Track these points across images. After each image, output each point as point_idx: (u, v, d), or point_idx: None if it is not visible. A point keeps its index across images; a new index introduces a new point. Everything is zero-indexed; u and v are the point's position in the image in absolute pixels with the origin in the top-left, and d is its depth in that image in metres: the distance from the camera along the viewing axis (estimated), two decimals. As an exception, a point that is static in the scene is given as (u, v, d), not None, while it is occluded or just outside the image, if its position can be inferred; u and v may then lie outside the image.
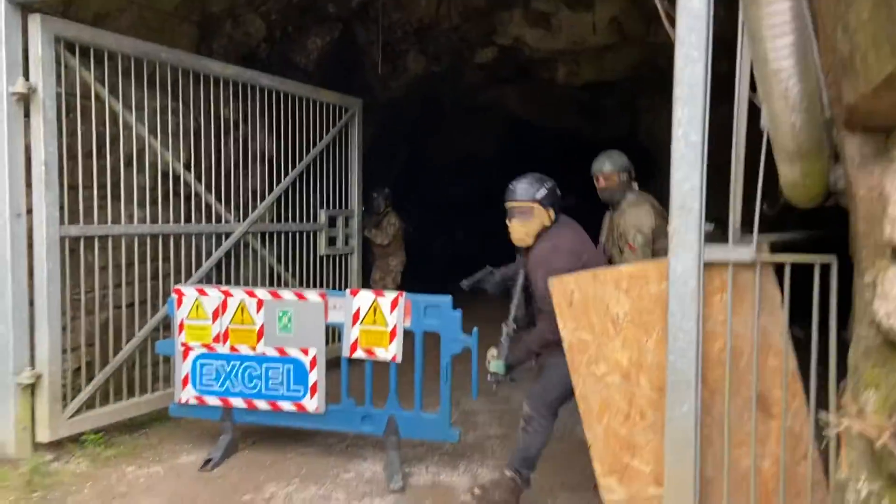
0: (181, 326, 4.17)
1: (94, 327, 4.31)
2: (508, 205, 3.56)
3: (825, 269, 2.71)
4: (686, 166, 2.81)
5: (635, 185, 4.20)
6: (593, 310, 3.10)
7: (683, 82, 2.78)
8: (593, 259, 3.52)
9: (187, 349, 4.15)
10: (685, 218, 2.82)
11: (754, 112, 2.70)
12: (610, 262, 4.19)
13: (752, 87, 2.65)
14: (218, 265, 5.25)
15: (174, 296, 4.19)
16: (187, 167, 4.98)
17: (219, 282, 5.23)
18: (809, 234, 3.44)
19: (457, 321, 3.91)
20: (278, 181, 5.78)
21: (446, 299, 3.98)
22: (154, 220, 4.70)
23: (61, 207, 4.06)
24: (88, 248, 4.27)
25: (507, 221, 3.58)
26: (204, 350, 4.13)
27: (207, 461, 4.06)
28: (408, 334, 4.00)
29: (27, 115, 3.94)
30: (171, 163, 4.83)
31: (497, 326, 3.69)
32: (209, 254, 5.15)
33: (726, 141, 2.85)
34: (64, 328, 4.14)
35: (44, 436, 4.00)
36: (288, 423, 4.17)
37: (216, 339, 4.12)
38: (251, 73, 5.34)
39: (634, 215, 4.01)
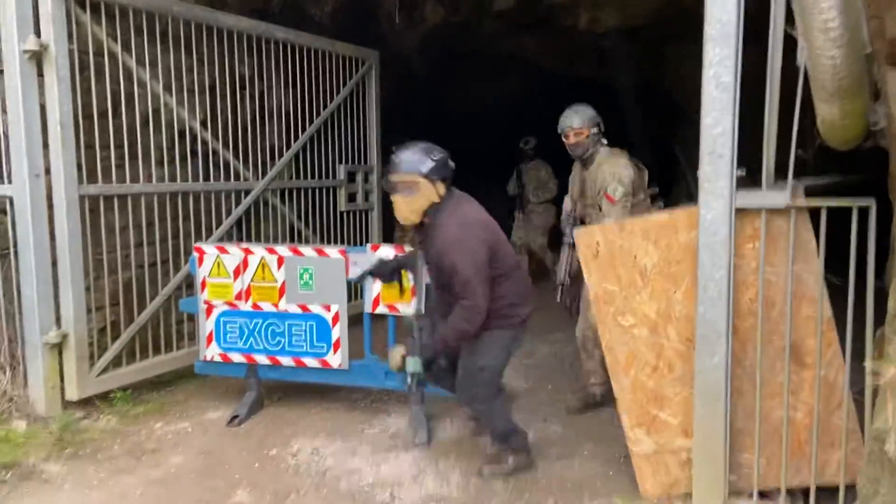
0: (203, 284, 4.16)
1: (118, 287, 4.33)
2: (391, 178, 3.15)
3: (863, 213, 2.60)
4: (717, 110, 2.70)
5: (605, 140, 4.07)
6: (620, 261, 3.03)
7: (714, 19, 2.65)
8: (500, 232, 3.29)
9: (210, 307, 4.15)
10: (716, 164, 2.72)
11: (789, 48, 2.56)
12: (582, 221, 4.13)
13: (789, 21, 2.51)
14: (238, 223, 5.23)
15: (195, 254, 4.18)
16: (204, 125, 4.92)
17: (239, 240, 5.22)
18: (846, 179, 3.32)
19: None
20: (296, 137, 5.70)
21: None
22: (173, 179, 4.66)
23: (79, 167, 4.04)
24: (108, 207, 4.26)
25: (391, 197, 3.19)
26: (227, 308, 4.13)
27: (234, 417, 4.09)
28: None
29: (41, 73, 3.88)
30: (188, 121, 4.77)
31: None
32: (229, 212, 5.12)
33: (756, 84, 2.72)
34: (88, 288, 4.15)
35: (72, 394, 4.05)
36: (312, 379, 4.18)
37: (238, 297, 4.11)
38: (266, 26, 5.22)
39: (614, 167, 3.89)
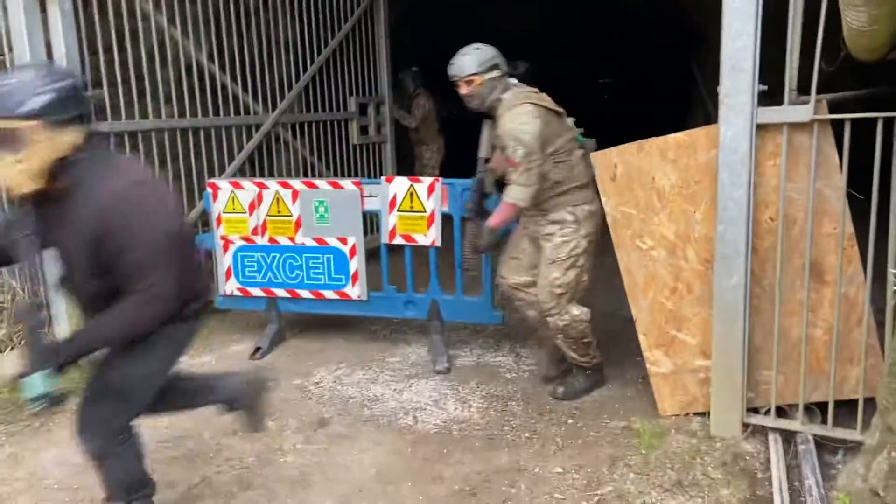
0: (219, 220, 4.17)
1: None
2: None
3: (888, 125, 2.52)
4: (738, 21, 2.60)
5: (513, 81, 3.34)
6: (638, 183, 2.99)
7: (737, -76, 2.52)
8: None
9: (227, 242, 4.18)
10: (736, 78, 2.64)
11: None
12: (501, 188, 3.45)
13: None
14: (250, 158, 5.21)
15: (209, 190, 4.18)
16: (210, 58, 4.84)
17: (252, 175, 5.20)
18: (870, 92, 3.21)
19: (493, 204, 3.82)
20: (305, 69, 5.61)
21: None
22: (182, 116, 4.62)
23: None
24: (118, 145, 4.24)
25: None
26: (243, 242, 4.15)
27: (256, 349, 4.17)
28: (446, 219, 3.95)
29: (44, 9, 3.81)
30: (194, 54, 4.69)
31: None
32: (241, 148, 5.09)
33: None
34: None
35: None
36: (332, 310, 4.23)
37: (255, 232, 4.13)
38: (268, -47, 5.08)
39: (512, 122, 3.14)
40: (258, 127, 5.19)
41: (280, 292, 4.18)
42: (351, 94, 6.06)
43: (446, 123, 7.03)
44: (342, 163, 6.02)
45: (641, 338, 3.10)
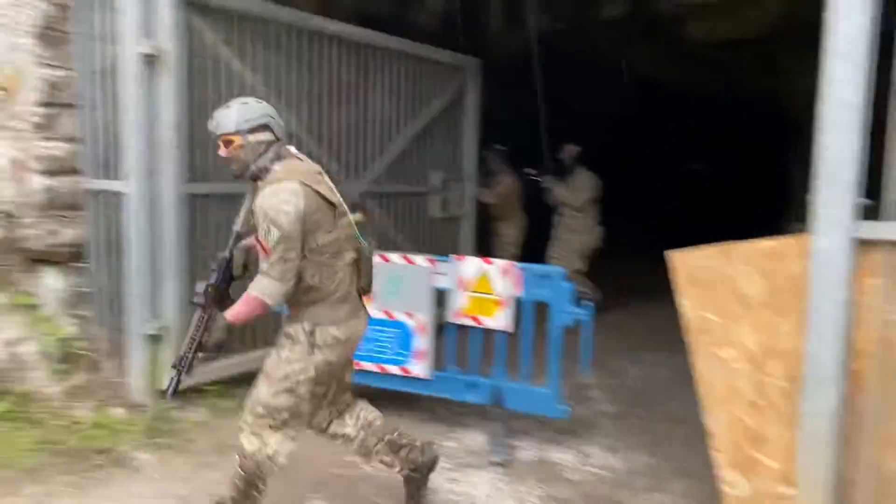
0: (294, 286, 4.23)
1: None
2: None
3: None
4: (836, 130, 2.46)
5: (292, 150, 2.79)
6: (720, 287, 2.83)
7: (837, 31, 2.42)
8: None
9: (299, 308, 4.21)
10: (832, 189, 2.48)
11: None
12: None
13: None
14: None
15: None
16: (305, 128, 5.03)
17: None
18: None
19: (568, 293, 3.73)
20: (392, 142, 5.74)
21: (558, 270, 3.88)
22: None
23: (186, 166, 4.21)
24: (212, 206, 4.41)
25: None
26: (314, 310, 4.18)
27: (316, 419, 4.13)
28: (516, 303, 3.86)
29: (155, 76, 4.07)
30: (290, 124, 4.88)
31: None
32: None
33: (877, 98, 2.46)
34: (188, 283, 4.31)
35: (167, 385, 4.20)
36: (393, 386, 4.17)
37: (326, 300, 4.15)
38: (368, 32, 5.30)
39: (272, 197, 2.55)
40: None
41: (345, 363, 4.16)
42: (434, 168, 6.15)
43: (533, 203, 7.02)
44: (420, 236, 6.06)
45: (716, 455, 2.87)
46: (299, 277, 2.61)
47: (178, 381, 2.73)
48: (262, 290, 2.57)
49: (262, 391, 2.71)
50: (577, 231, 6.73)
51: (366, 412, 3.09)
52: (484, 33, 6.98)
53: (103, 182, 4.32)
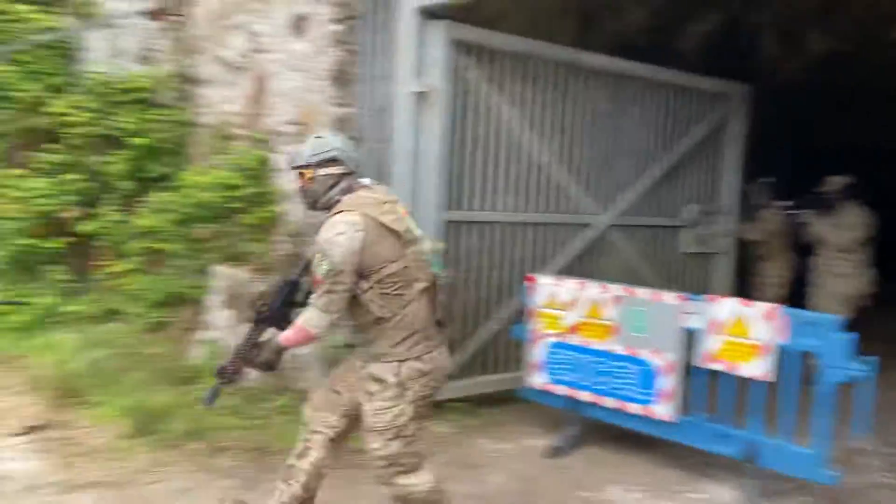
0: (532, 313, 4.30)
1: (465, 305, 4.69)
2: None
3: None
4: None
5: (365, 182, 2.78)
6: None
7: None
8: None
9: (538, 336, 4.27)
10: None
11: None
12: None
13: None
14: (578, 256, 5.30)
15: (526, 283, 4.34)
16: (559, 160, 5.10)
17: (575, 272, 5.27)
18: None
19: (842, 345, 3.29)
20: (645, 173, 5.59)
21: (831, 318, 3.45)
22: (522, 210, 4.93)
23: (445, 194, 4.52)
24: (465, 231, 4.66)
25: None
26: (554, 339, 4.20)
27: (553, 448, 4.13)
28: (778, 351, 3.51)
29: (423, 112, 4.43)
30: (545, 156, 5.00)
31: None
32: (566, 245, 5.21)
33: None
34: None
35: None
36: (634, 426, 4.01)
37: (568, 331, 4.15)
38: (626, 63, 5.25)
39: (328, 230, 2.58)
40: (590, 226, 5.28)
41: (584, 395, 4.11)
42: (690, 200, 5.85)
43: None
44: (670, 272, 5.79)
45: None
46: (367, 311, 2.62)
47: (218, 392, 2.83)
48: (308, 320, 2.63)
49: (374, 447, 2.71)
50: (843, 275, 5.74)
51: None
52: (753, 58, 6.53)
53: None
